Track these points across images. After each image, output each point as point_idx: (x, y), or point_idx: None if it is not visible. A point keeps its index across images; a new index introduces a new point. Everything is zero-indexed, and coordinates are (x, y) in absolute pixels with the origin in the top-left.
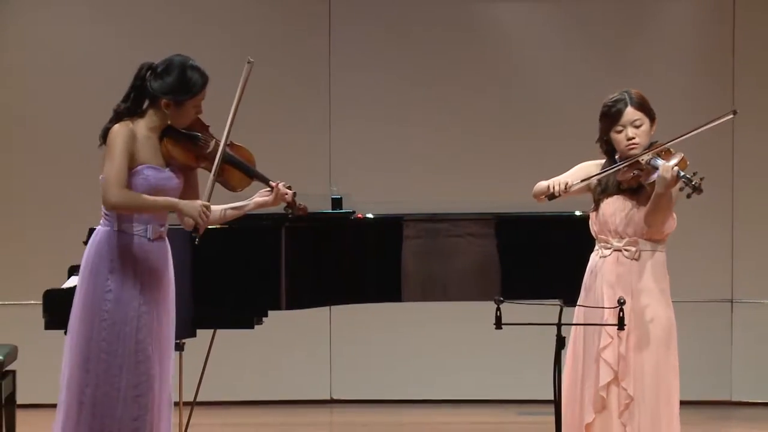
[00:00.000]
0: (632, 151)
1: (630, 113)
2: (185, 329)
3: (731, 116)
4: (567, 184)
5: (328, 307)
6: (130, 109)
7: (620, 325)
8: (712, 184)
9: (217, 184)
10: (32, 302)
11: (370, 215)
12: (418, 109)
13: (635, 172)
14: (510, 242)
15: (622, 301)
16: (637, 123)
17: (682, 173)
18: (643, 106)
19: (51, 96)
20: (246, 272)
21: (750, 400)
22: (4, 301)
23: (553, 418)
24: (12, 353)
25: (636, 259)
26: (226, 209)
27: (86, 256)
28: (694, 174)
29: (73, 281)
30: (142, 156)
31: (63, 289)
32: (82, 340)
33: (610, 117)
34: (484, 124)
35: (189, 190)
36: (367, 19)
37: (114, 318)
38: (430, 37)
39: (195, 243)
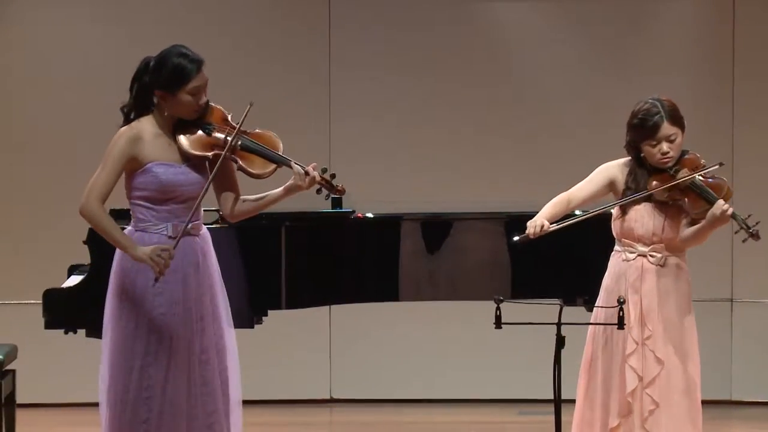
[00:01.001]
0: (666, 165)
1: (666, 129)
2: None
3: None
4: (544, 227)
5: (327, 307)
6: (135, 106)
7: (620, 324)
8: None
9: (241, 175)
10: (32, 302)
11: (369, 214)
12: (418, 109)
13: (667, 187)
14: (509, 241)
15: (621, 300)
16: (672, 138)
17: (739, 216)
18: (677, 119)
19: (51, 96)
20: (246, 271)
21: (750, 400)
22: (4, 300)
23: (553, 418)
24: (12, 353)
25: (662, 265)
26: (257, 198)
27: (114, 257)
28: (749, 216)
29: (73, 281)
30: (150, 155)
31: (63, 288)
32: (106, 339)
33: (645, 130)
34: (484, 123)
35: (226, 182)
36: (367, 19)
37: (128, 319)
38: (430, 36)
39: (152, 285)
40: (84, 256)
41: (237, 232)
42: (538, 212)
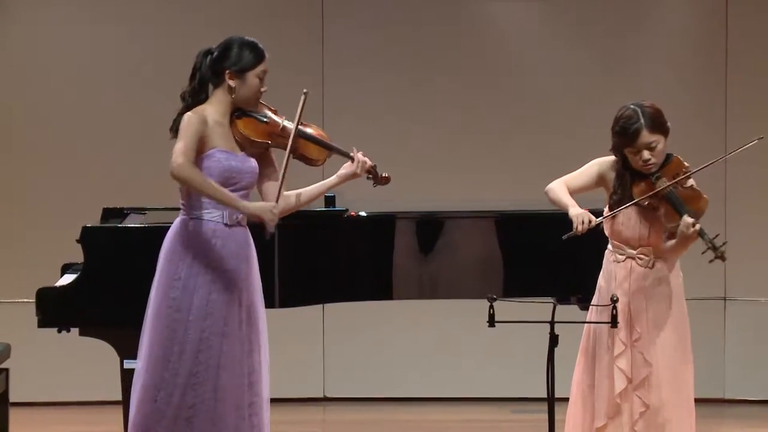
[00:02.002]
0: (650, 171)
1: (646, 137)
2: None
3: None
4: (591, 221)
5: (321, 306)
6: (195, 92)
7: (613, 322)
8: (704, 182)
9: (294, 163)
10: (25, 300)
11: (363, 213)
12: (412, 107)
13: (649, 196)
14: (503, 240)
15: (615, 298)
16: (653, 145)
17: (705, 235)
18: (657, 126)
19: (46, 95)
20: None
21: (743, 398)
22: None
23: (546, 416)
24: (5, 351)
25: (650, 267)
26: (304, 192)
27: (163, 245)
28: (716, 236)
29: (66, 279)
30: (214, 140)
31: (56, 287)
32: (150, 325)
33: (625, 138)
34: (478, 121)
35: (267, 170)
36: (361, 17)
37: (180, 304)
38: (423, 34)
39: (267, 239)
40: (77, 255)
41: None
42: (535, 211)
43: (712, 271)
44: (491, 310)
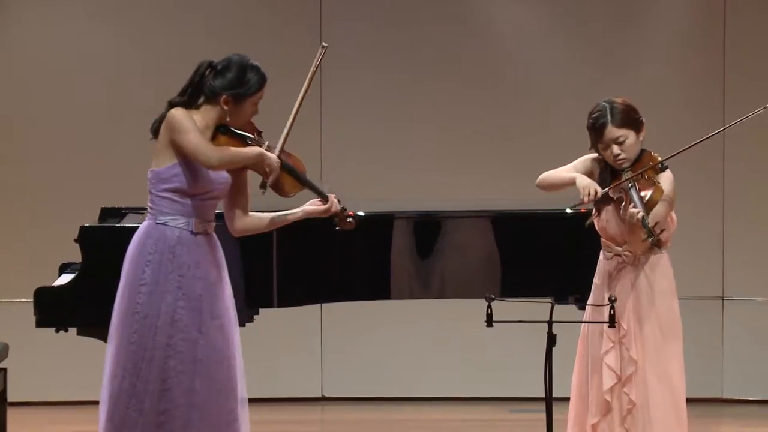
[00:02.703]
0: (622, 166)
1: (612, 132)
2: None
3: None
4: (597, 191)
5: (319, 305)
6: (185, 102)
7: (611, 322)
8: (702, 181)
9: (269, 191)
10: (23, 300)
11: (361, 213)
12: (410, 107)
13: (620, 192)
14: (502, 240)
15: (612, 298)
16: (621, 139)
17: (646, 223)
18: (625, 120)
19: (43, 96)
20: (237, 270)
21: (741, 398)
22: None
23: (544, 416)
24: (3, 351)
25: (635, 264)
26: (273, 217)
27: (129, 249)
28: (656, 224)
29: (64, 279)
30: None
31: (54, 287)
32: (116, 332)
33: (594, 133)
34: (477, 121)
35: (237, 192)
36: (359, 16)
37: (146, 311)
38: (422, 34)
39: (262, 194)
40: (75, 255)
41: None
42: (534, 210)
43: (710, 270)
44: (489, 310)
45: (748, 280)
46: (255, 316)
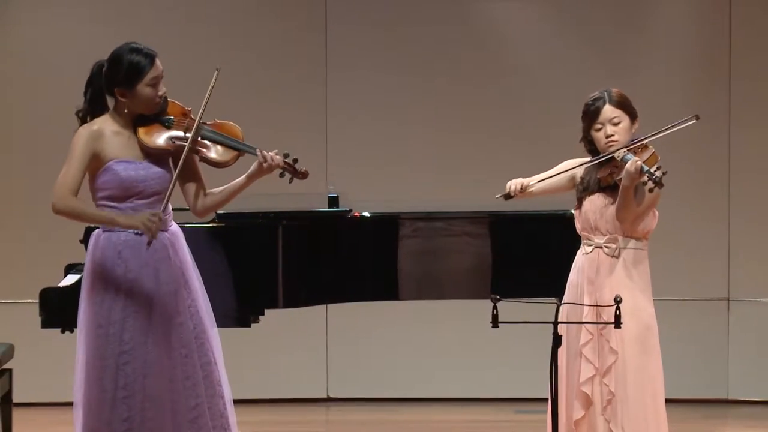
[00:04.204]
0: (611, 148)
1: (608, 111)
2: None
3: (694, 121)
4: (523, 185)
5: (324, 306)
6: (90, 109)
7: (617, 323)
8: (708, 182)
9: (209, 169)
10: (29, 301)
11: (366, 213)
12: (415, 108)
13: (611, 169)
14: (506, 241)
15: (618, 299)
16: (616, 120)
17: (645, 168)
18: (621, 104)
19: (48, 95)
20: (243, 271)
21: (746, 399)
22: (1, 299)
23: (549, 416)
24: (8, 352)
25: (616, 257)
26: (225, 189)
27: (86, 260)
28: (658, 168)
29: (69, 280)
30: (111, 152)
31: (59, 287)
32: (81, 343)
33: (590, 115)
34: (481, 122)
35: (189, 175)
36: (364, 18)
37: (100, 320)
38: (426, 35)
39: (147, 248)
40: (80, 255)
41: (234, 231)
42: (537, 211)
43: (716, 271)
44: (495, 311)
45: (753, 281)
46: (260, 317)
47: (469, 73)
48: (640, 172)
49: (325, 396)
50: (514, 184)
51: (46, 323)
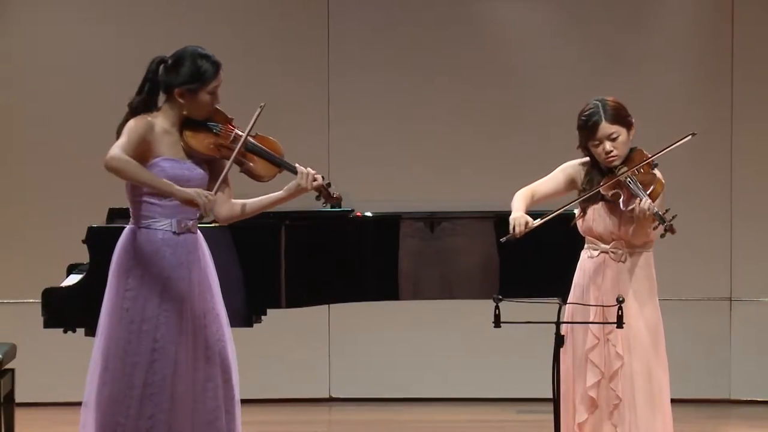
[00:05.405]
0: (612, 163)
1: (605, 128)
2: None
3: (690, 137)
4: (528, 224)
5: (326, 306)
6: (144, 102)
7: (619, 323)
8: (710, 182)
9: (245, 176)
10: (31, 301)
11: (368, 213)
12: (417, 108)
13: (615, 187)
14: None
15: (621, 299)
16: (613, 136)
17: (656, 210)
18: (617, 118)
19: (50, 95)
20: (245, 271)
21: (749, 399)
22: (3, 299)
23: (552, 417)
24: (11, 351)
25: (623, 261)
26: (258, 201)
27: (114, 255)
28: (667, 211)
29: (71, 280)
30: (159, 149)
31: (62, 287)
32: (104, 337)
33: (586, 131)
34: (483, 122)
35: (216, 181)
36: (366, 18)
37: (132, 316)
38: (429, 35)
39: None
40: (83, 255)
41: (237, 231)
42: (539, 210)
43: (718, 271)
44: (497, 311)
45: (756, 281)
46: (263, 317)
47: (471, 73)
48: (653, 216)
49: (327, 396)
50: (518, 227)
51: (49, 323)
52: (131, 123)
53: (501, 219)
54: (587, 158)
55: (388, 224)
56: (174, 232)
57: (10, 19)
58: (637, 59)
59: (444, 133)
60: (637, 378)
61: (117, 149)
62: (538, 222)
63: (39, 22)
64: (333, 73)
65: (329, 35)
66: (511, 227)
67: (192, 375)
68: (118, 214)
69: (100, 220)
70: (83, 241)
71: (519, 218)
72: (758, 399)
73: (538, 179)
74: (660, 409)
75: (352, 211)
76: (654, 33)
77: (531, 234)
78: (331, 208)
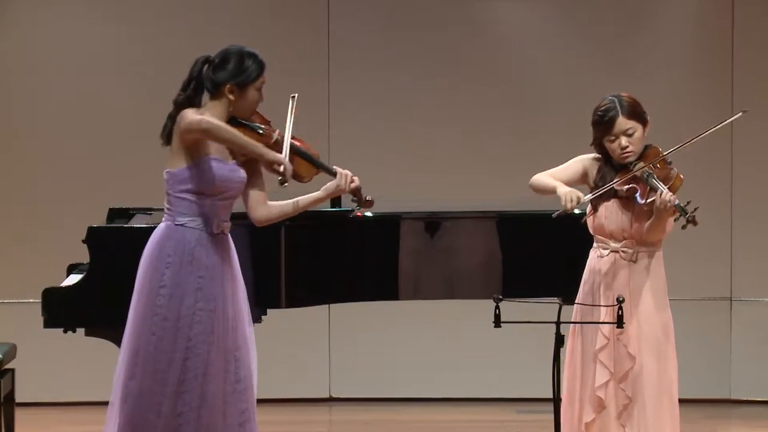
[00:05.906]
0: (627, 159)
1: (622, 123)
2: None
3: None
4: (580, 198)
5: (327, 306)
6: (190, 99)
7: (619, 323)
8: (710, 182)
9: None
10: (31, 300)
11: (368, 213)
12: (418, 107)
13: (631, 182)
14: (509, 240)
15: (621, 299)
16: (630, 131)
17: (677, 202)
18: (634, 113)
19: (50, 95)
20: (245, 271)
21: (749, 398)
22: (3, 299)
23: (552, 417)
24: (11, 351)
25: (633, 261)
26: (297, 201)
27: (146, 250)
28: (688, 203)
29: (72, 279)
30: (208, 147)
31: (62, 287)
32: (134, 333)
33: (602, 126)
34: (483, 121)
35: (255, 181)
36: (366, 17)
37: (166, 313)
38: (429, 35)
39: (283, 186)
40: (83, 255)
41: (237, 231)
42: (539, 210)
43: (718, 271)
44: (497, 311)
45: (756, 281)
46: (263, 317)
47: (472, 72)
48: (674, 209)
49: (327, 396)
50: (570, 202)
51: (49, 323)
52: (189, 115)
53: (502, 218)
54: (599, 155)
55: (388, 224)
56: (209, 233)
57: (10, 20)
58: (637, 59)
59: (445, 132)
60: (647, 379)
61: (212, 117)
62: (589, 196)
63: (39, 22)
64: (333, 73)
65: (329, 35)
66: (563, 201)
67: (223, 375)
68: (118, 214)
69: (100, 220)
70: (83, 241)
71: (570, 193)
72: (758, 399)
73: (537, 173)
74: (670, 410)
75: (353, 210)
76: (654, 33)
77: (531, 234)
78: (363, 211)
